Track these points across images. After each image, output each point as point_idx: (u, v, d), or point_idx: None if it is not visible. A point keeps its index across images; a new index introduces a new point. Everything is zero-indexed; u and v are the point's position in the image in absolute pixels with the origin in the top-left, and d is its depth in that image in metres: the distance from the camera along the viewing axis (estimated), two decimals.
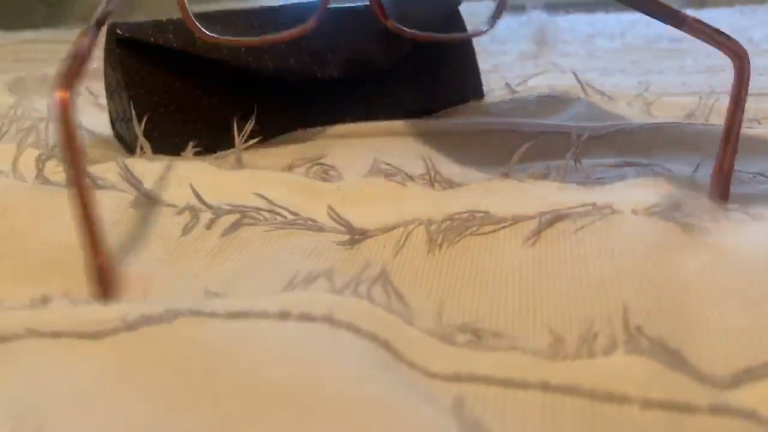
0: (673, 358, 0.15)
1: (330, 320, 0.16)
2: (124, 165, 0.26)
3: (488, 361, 0.15)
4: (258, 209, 0.25)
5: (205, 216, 0.25)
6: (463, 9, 0.44)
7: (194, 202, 0.25)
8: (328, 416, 0.13)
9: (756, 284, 0.18)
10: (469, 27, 0.44)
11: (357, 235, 0.24)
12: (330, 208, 0.24)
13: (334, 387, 0.13)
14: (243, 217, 0.25)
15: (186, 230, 0.24)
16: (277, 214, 0.25)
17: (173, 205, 0.25)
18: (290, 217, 0.25)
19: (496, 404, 0.14)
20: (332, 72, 0.37)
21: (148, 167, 0.29)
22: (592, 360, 0.15)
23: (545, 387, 0.14)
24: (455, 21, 0.43)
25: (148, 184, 0.26)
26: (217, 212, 0.25)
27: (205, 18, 0.35)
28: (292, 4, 0.38)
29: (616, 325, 0.16)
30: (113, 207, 0.25)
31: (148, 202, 0.25)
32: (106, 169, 0.27)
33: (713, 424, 0.13)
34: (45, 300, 0.18)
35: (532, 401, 0.14)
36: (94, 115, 0.41)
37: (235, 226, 0.24)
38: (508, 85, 0.48)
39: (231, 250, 0.23)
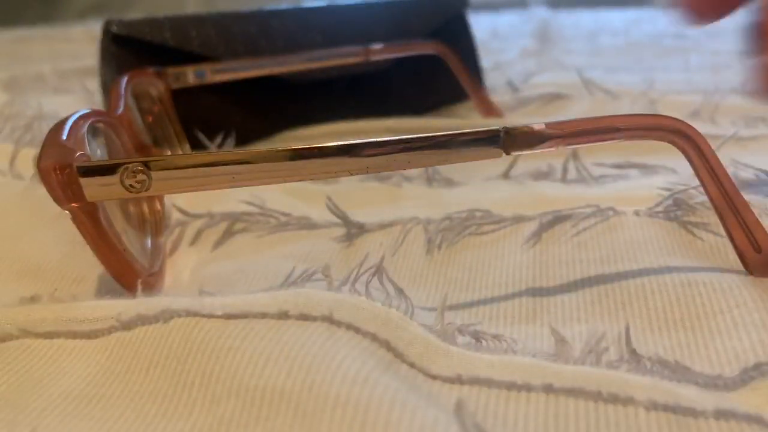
0: (676, 372, 0.15)
1: (330, 320, 0.15)
2: None
3: (490, 363, 0.15)
4: (248, 213, 0.24)
5: (195, 225, 0.25)
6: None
7: (186, 211, 0.25)
8: (327, 419, 0.13)
9: None
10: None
11: (353, 229, 0.23)
12: (329, 199, 0.24)
13: (333, 389, 0.13)
14: (234, 222, 0.24)
15: (175, 244, 0.24)
16: (270, 216, 0.24)
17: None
18: (282, 218, 0.24)
19: (499, 407, 0.14)
20: (331, 73, 0.37)
21: None
22: (596, 367, 0.15)
23: (549, 389, 0.14)
24: (460, 26, 0.43)
25: None
26: (209, 221, 0.24)
27: (200, 20, 0.34)
28: (292, 9, 0.38)
29: (622, 344, 0.16)
30: None
31: None
32: None
33: (718, 428, 0.13)
34: (34, 301, 0.18)
35: (535, 404, 0.14)
36: None
37: (227, 234, 0.24)
38: (510, 83, 0.47)
39: (222, 261, 0.23)
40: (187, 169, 0.17)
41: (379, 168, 0.18)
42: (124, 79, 0.25)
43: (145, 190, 0.17)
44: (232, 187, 0.18)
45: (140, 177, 0.17)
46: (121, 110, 0.23)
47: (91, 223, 0.18)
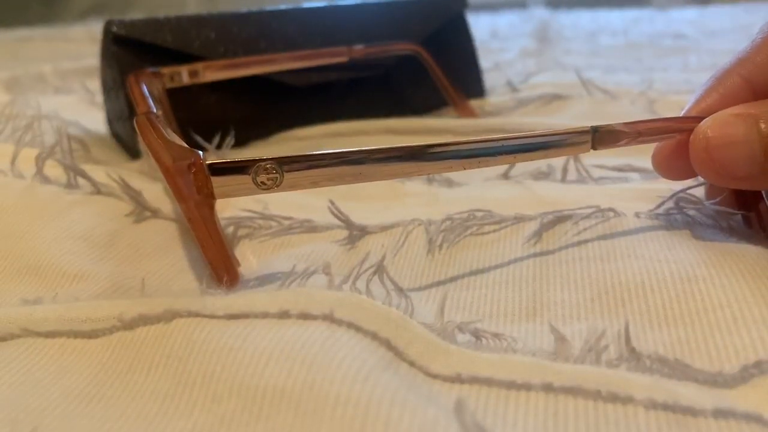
0: (676, 369, 0.15)
1: (330, 319, 0.15)
2: (121, 179, 0.26)
3: (490, 362, 0.15)
4: (252, 219, 0.25)
5: None
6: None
7: None
8: (327, 417, 0.13)
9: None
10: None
11: (355, 231, 0.23)
12: (331, 202, 0.24)
13: (333, 387, 0.13)
14: (238, 228, 0.24)
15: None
16: (272, 220, 0.24)
17: (170, 219, 0.25)
18: (285, 223, 0.24)
19: (498, 406, 0.14)
20: (330, 77, 0.37)
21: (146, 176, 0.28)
22: (596, 365, 0.15)
23: (548, 388, 0.14)
24: (460, 27, 0.43)
25: (147, 194, 0.26)
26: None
27: (200, 21, 0.34)
28: (292, 9, 0.38)
29: (622, 342, 0.16)
30: (113, 217, 0.25)
31: (146, 214, 0.25)
32: (106, 175, 0.27)
33: (717, 427, 0.13)
34: (36, 302, 0.18)
35: (534, 403, 0.14)
36: (92, 114, 0.41)
37: (231, 239, 0.24)
38: (510, 83, 0.47)
39: None
40: (318, 167, 0.18)
41: (488, 164, 0.19)
42: (140, 80, 0.25)
43: (276, 187, 0.18)
44: (357, 182, 0.18)
45: (272, 174, 0.18)
46: (155, 109, 0.23)
47: (208, 218, 0.19)
